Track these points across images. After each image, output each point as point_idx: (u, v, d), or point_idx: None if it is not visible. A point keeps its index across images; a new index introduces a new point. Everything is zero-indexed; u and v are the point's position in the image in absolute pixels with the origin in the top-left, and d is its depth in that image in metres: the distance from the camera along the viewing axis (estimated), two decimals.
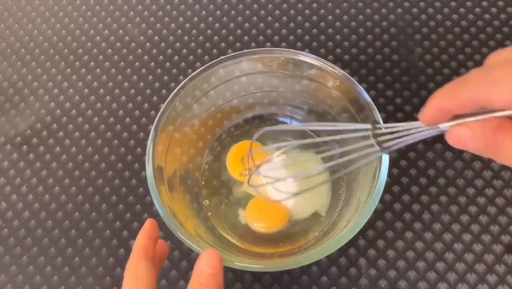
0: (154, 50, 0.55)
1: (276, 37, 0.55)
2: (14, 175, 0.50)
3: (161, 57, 0.55)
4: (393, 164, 0.47)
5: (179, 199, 0.42)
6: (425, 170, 0.47)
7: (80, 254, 0.46)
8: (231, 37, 0.55)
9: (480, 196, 0.46)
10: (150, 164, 0.39)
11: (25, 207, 0.48)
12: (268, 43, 0.55)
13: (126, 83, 0.54)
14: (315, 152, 0.46)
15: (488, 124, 0.24)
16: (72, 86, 0.54)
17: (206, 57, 0.54)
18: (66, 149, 0.51)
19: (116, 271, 0.45)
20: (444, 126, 0.26)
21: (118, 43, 0.56)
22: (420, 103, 0.40)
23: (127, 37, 0.57)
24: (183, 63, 0.54)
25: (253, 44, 0.55)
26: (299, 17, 0.56)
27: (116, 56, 0.55)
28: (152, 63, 0.55)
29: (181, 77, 0.53)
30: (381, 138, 0.29)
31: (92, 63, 0.55)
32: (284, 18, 0.56)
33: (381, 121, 0.39)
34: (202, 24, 0.57)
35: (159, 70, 0.54)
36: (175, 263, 0.45)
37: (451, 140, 0.26)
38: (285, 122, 0.49)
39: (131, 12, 0.58)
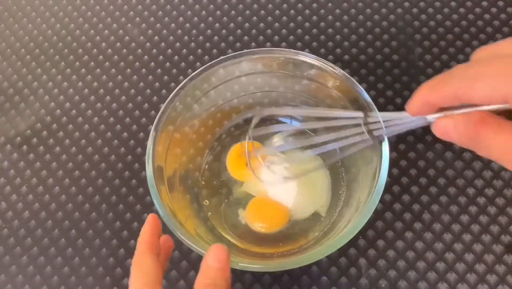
0: (154, 50, 0.55)
1: (276, 37, 0.55)
2: (14, 175, 0.50)
3: (161, 57, 0.55)
4: (393, 164, 0.47)
5: (179, 199, 0.42)
6: (425, 170, 0.47)
7: (80, 254, 0.46)
8: (231, 37, 0.55)
9: (480, 196, 0.46)
10: (150, 164, 0.39)
11: (25, 207, 0.48)
12: (268, 43, 0.55)
13: (126, 83, 0.54)
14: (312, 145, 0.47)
15: (471, 118, 0.25)
16: (72, 86, 0.54)
17: (206, 57, 0.54)
18: (66, 149, 0.51)
19: (116, 271, 0.45)
20: (431, 117, 0.27)
21: (118, 43, 0.56)
22: None
23: (127, 37, 0.57)
24: (183, 63, 0.54)
25: (253, 44, 0.55)
26: (299, 17, 0.56)
27: (116, 56, 0.55)
28: (152, 63, 0.55)
29: (181, 77, 0.53)
30: (371, 127, 0.31)
31: (92, 63, 0.55)
32: (284, 18, 0.56)
33: (378, 115, 0.40)
34: (202, 24, 0.57)
35: (159, 70, 0.54)
36: (175, 263, 0.45)
37: (436, 131, 0.27)
38: (285, 123, 0.49)
39: (131, 12, 0.58)
